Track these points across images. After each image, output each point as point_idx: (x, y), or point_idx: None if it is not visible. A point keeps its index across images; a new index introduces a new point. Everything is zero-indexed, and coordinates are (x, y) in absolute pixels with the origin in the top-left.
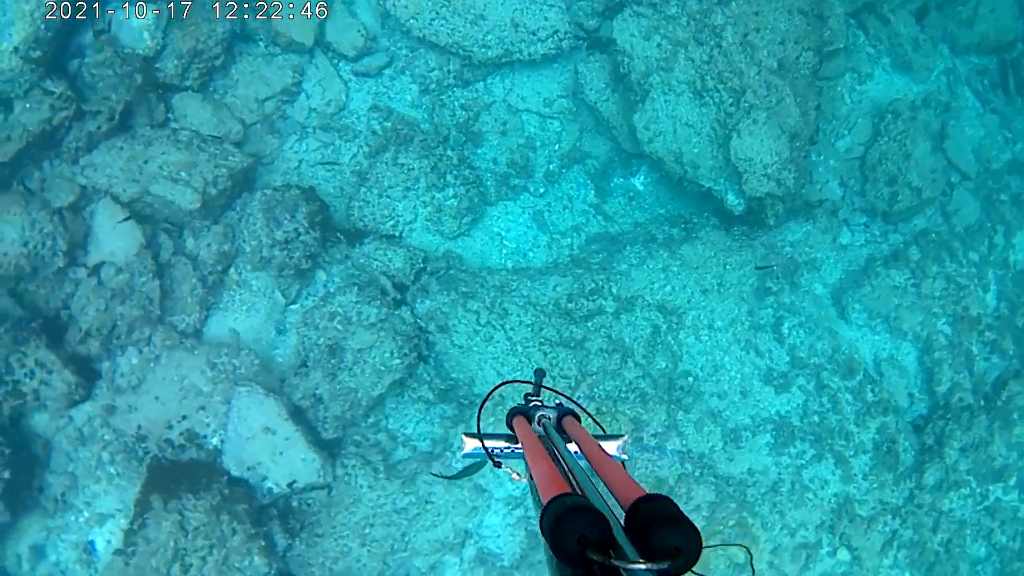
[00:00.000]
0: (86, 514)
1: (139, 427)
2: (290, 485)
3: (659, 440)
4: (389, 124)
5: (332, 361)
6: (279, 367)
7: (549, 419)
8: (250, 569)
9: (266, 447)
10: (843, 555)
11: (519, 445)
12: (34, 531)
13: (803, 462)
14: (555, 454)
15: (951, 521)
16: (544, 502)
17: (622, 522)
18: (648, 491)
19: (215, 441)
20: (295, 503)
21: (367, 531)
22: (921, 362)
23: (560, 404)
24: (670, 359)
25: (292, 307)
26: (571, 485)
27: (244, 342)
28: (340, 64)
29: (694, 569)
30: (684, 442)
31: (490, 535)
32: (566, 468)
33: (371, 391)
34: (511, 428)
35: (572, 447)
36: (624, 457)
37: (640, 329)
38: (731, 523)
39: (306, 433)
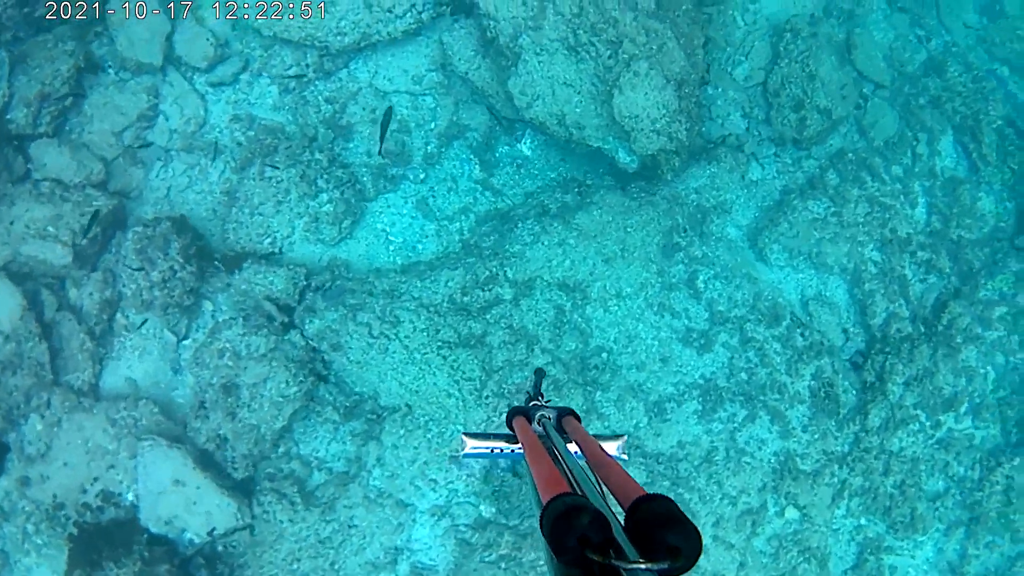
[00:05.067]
0: None
1: (55, 496)
2: (210, 533)
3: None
4: (253, 133)
5: (229, 400)
6: (180, 409)
7: (549, 419)
8: None
9: (179, 499)
10: (791, 514)
11: (519, 445)
12: None
13: (735, 425)
14: (555, 454)
15: (902, 461)
16: (544, 502)
17: (622, 522)
18: (647, 491)
19: (130, 496)
20: (220, 548)
21: (295, 566)
22: (852, 295)
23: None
24: (579, 338)
25: (184, 343)
26: (571, 485)
27: (142, 389)
28: (194, 77)
29: None
30: (606, 424)
31: (421, 548)
32: (566, 468)
33: (273, 424)
34: (511, 428)
35: (572, 447)
36: (624, 457)
37: (543, 313)
38: None
39: (216, 478)
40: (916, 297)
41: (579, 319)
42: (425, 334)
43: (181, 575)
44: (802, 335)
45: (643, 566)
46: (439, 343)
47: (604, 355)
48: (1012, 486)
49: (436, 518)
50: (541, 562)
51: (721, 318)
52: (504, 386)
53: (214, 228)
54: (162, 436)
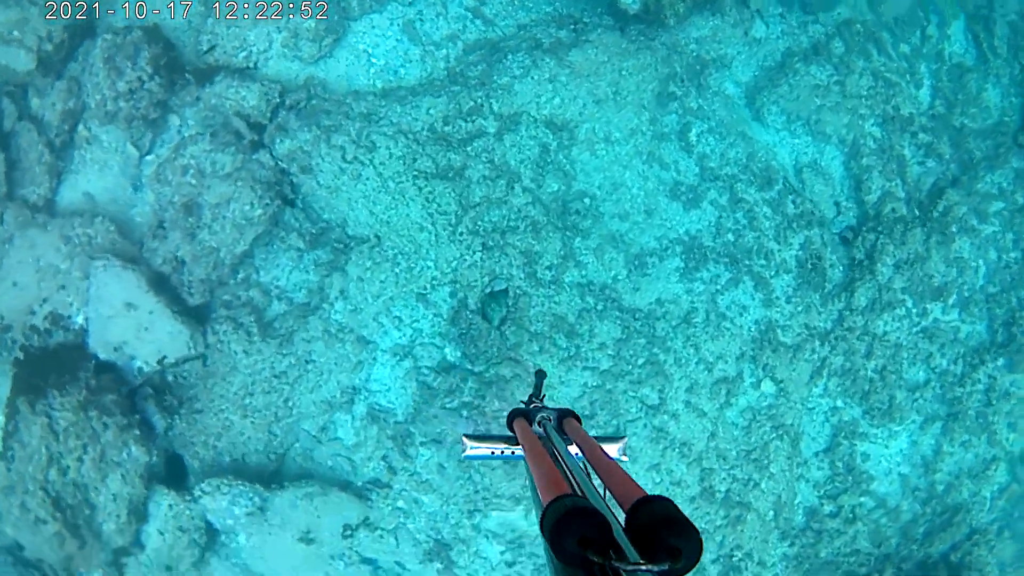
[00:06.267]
0: None
1: (2, 317)
2: (160, 362)
3: (555, 273)
4: None
5: (190, 220)
6: (138, 228)
7: (549, 420)
8: (129, 461)
9: (130, 324)
10: (767, 387)
11: (519, 447)
12: None
13: (718, 287)
14: (555, 455)
15: (885, 345)
16: (544, 503)
17: (622, 523)
18: (648, 492)
19: (80, 320)
20: (170, 378)
21: (247, 401)
22: (848, 168)
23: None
24: (562, 180)
25: (147, 158)
26: (571, 486)
27: (99, 205)
28: None
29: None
30: (583, 272)
31: (379, 389)
32: (566, 469)
33: (234, 248)
34: (512, 430)
35: (573, 449)
36: (624, 459)
37: (527, 150)
38: (640, 361)
39: (170, 303)
40: (913, 179)
41: (564, 160)
42: (401, 162)
43: (127, 405)
44: (793, 202)
45: (644, 567)
46: (415, 172)
47: (587, 200)
48: (994, 387)
49: (398, 358)
50: (503, 412)
51: (712, 175)
52: (479, 223)
53: (187, 39)
54: (116, 256)
